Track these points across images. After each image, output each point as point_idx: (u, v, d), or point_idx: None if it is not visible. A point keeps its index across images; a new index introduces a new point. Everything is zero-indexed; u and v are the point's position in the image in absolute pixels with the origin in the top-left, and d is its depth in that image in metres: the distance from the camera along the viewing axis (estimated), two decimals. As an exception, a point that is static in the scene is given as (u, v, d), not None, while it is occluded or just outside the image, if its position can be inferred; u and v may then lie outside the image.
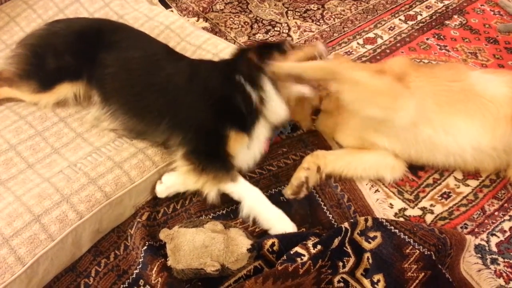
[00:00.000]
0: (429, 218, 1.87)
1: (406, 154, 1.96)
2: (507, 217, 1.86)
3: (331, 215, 1.87)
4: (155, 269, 1.60)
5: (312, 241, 1.60)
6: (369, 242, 1.60)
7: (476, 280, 1.66)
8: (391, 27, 2.88)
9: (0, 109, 2.04)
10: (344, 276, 1.59)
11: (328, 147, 2.14)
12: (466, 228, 1.83)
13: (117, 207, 1.77)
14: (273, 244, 1.62)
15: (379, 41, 2.78)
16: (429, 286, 1.49)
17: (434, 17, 2.95)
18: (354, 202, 1.89)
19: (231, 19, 2.98)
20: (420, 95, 1.86)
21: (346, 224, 1.65)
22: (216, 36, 2.50)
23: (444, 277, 1.53)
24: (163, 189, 1.86)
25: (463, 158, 1.89)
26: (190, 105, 1.87)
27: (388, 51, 2.70)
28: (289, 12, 3.04)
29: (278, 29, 2.90)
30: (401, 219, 1.86)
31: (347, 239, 1.62)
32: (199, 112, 1.86)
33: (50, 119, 2.00)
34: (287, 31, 2.88)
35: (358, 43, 2.77)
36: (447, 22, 2.91)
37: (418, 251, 1.53)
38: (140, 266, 1.67)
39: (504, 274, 1.68)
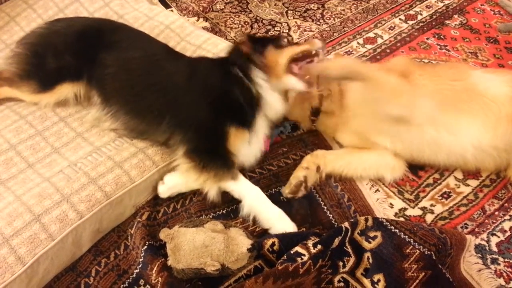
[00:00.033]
0: (429, 218, 1.87)
1: (408, 154, 1.96)
2: (507, 217, 1.86)
3: (331, 215, 1.87)
4: (155, 268, 1.60)
5: (313, 240, 1.60)
6: (370, 242, 1.60)
7: (477, 280, 1.66)
8: (391, 26, 2.88)
9: (0, 108, 2.04)
10: (344, 275, 1.59)
11: (328, 147, 2.14)
12: (466, 228, 1.83)
13: (117, 206, 1.77)
14: (273, 244, 1.62)
15: (379, 40, 2.78)
16: (429, 286, 1.49)
17: (434, 16, 2.95)
18: (354, 201, 1.89)
19: (231, 18, 2.98)
20: (426, 93, 1.87)
21: (346, 224, 1.65)
22: (216, 36, 2.49)
23: (445, 277, 1.53)
24: (165, 190, 1.86)
25: (464, 157, 1.90)
26: (190, 103, 1.87)
27: (388, 50, 2.70)
28: (289, 11, 3.04)
29: (278, 28, 2.90)
30: (402, 219, 1.86)
31: (347, 238, 1.62)
32: (199, 110, 1.86)
33: (50, 119, 2.00)
34: (287, 30, 2.88)
35: (358, 43, 2.77)
36: (447, 21, 2.91)
37: (418, 251, 1.53)
38: (140, 265, 1.67)
39: (505, 274, 1.68)
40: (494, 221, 1.85)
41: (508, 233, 1.81)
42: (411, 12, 2.99)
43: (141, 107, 1.91)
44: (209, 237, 1.58)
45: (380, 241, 1.59)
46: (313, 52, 1.92)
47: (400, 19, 2.94)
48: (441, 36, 2.79)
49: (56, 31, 2.04)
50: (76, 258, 1.71)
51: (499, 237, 1.80)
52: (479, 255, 1.74)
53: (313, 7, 3.07)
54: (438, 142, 1.88)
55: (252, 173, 1.99)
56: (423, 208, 1.91)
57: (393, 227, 1.61)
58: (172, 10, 2.89)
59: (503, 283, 1.65)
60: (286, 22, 2.95)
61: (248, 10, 3.05)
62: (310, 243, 1.59)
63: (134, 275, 1.68)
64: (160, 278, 1.57)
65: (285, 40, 1.99)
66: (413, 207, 1.91)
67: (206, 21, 2.92)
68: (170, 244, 1.60)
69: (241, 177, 1.82)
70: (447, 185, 1.99)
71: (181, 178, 1.84)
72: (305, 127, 2.20)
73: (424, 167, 2.04)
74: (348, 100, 2.01)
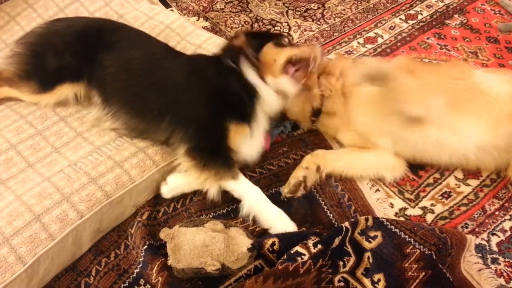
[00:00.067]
0: (429, 217, 1.87)
1: (411, 154, 1.96)
2: (507, 217, 1.86)
3: (331, 215, 1.87)
4: (155, 268, 1.60)
5: (313, 240, 1.60)
6: (370, 242, 1.60)
7: (477, 279, 1.66)
8: (391, 26, 2.88)
9: (0, 108, 2.04)
10: (345, 275, 1.59)
11: (328, 147, 2.14)
12: (466, 227, 1.83)
13: (117, 206, 1.77)
14: (273, 244, 1.62)
15: (380, 40, 2.78)
16: (429, 286, 1.49)
17: (434, 16, 2.95)
18: (355, 201, 1.89)
19: (231, 18, 2.98)
20: (437, 93, 1.87)
21: (346, 224, 1.65)
22: (217, 36, 2.49)
23: (445, 276, 1.53)
24: (168, 190, 1.86)
25: (466, 157, 1.89)
26: (189, 100, 1.87)
27: (388, 50, 2.70)
28: (289, 11, 3.04)
29: (279, 28, 2.90)
30: (402, 218, 1.86)
31: (347, 238, 1.62)
32: (198, 107, 1.86)
33: (51, 118, 2.00)
34: (287, 30, 2.88)
35: (358, 43, 2.76)
36: (447, 21, 2.91)
37: (418, 251, 1.53)
38: (140, 265, 1.67)
39: (505, 274, 1.68)
40: (495, 220, 1.85)
41: (508, 233, 1.81)
42: (412, 11, 2.99)
43: (141, 106, 1.90)
44: (209, 236, 1.58)
45: (380, 241, 1.59)
46: (311, 58, 1.91)
47: (400, 18, 2.94)
48: (442, 36, 2.79)
49: (56, 31, 2.04)
50: (77, 258, 1.71)
51: (499, 236, 1.80)
52: (480, 254, 1.74)
53: (314, 6, 3.07)
54: (442, 143, 1.87)
55: (252, 173, 1.99)
56: (423, 208, 1.91)
57: (393, 227, 1.61)
58: (172, 10, 2.89)
59: (504, 282, 1.65)
60: (286, 22, 2.94)
61: (248, 10, 3.05)
62: (310, 243, 1.59)
63: (135, 275, 1.68)
64: (160, 278, 1.57)
65: (286, 39, 1.99)
66: (414, 207, 1.91)
67: (206, 21, 2.92)
68: (170, 243, 1.60)
69: (241, 177, 1.82)
70: (447, 184, 1.99)
71: (184, 179, 1.85)
72: (305, 127, 2.20)
73: (425, 167, 2.04)
74: (351, 100, 2.00)
